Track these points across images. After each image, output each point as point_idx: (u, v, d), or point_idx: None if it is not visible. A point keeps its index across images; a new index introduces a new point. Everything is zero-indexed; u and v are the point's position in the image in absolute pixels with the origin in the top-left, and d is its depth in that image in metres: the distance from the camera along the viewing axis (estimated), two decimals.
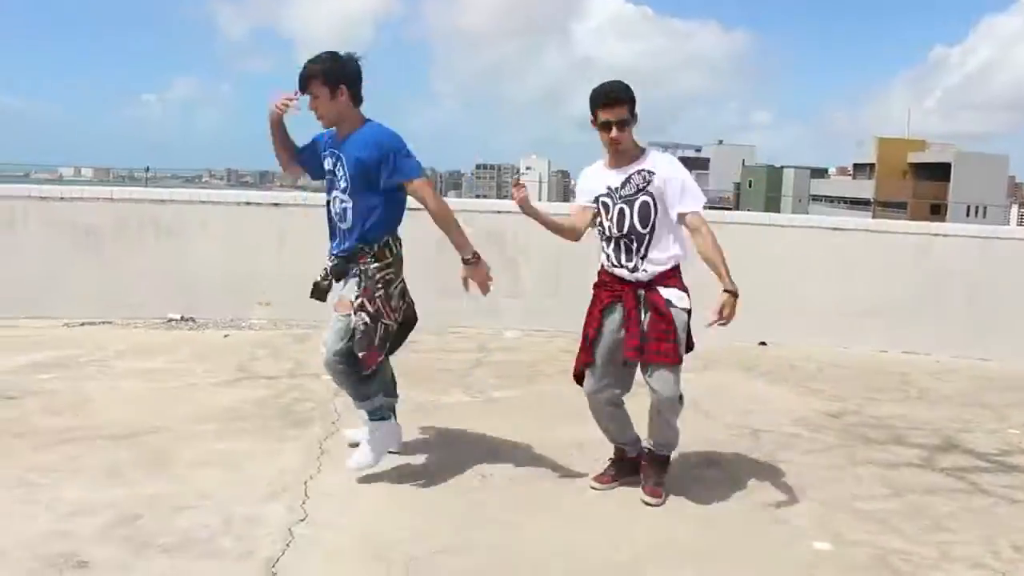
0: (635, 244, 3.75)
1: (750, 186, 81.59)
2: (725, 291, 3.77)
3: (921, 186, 56.32)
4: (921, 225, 8.28)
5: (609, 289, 3.84)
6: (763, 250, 7.49)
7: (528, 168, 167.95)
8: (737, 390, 5.84)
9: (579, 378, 3.96)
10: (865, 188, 62.54)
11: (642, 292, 3.76)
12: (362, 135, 3.81)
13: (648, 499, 3.81)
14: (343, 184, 3.83)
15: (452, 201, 10.17)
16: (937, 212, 48.11)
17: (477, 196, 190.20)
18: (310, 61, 3.80)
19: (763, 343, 7.35)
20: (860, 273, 7.46)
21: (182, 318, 7.30)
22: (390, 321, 3.86)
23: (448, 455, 4.27)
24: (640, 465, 3.97)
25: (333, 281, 3.95)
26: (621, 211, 3.74)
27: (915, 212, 48.28)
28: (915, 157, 60.38)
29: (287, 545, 3.22)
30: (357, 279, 3.83)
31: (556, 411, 5.08)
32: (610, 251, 3.83)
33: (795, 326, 7.39)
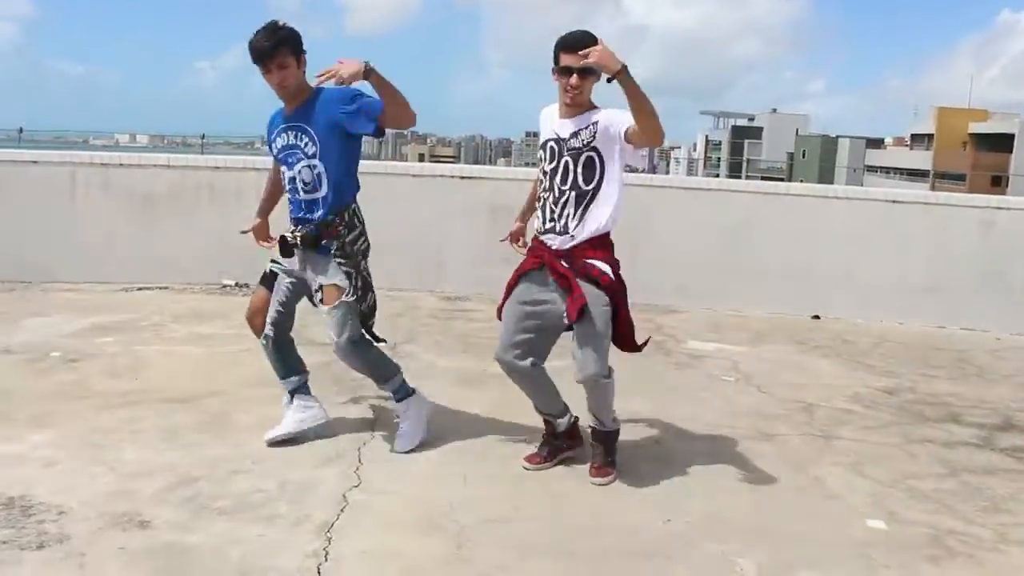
0: (573, 202, 3.54)
1: (804, 156, 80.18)
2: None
3: (982, 157, 54.78)
4: (984, 198, 8.06)
5: (536, 254, 3.66)
6: (818, 223, 7.38)
7: None
8: (790, 364, 5.77)
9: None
10: (922, 159, 61.06)
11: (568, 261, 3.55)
12: (324, 97, 3.69)
13: (595, 480, 3.63)
14: (312, 150, 3.71)
15: (501, 169, 10.18)
16: (998, 184, 46.84)
17: (527, 164, 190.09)
18: (271, 31, 3.64)
19: (816, 317, 7.26)
20: (918, 247, 7.31)
21: (236, 284, 7.41)
22: (374, 292, 3.94)
23: (499, 424, 4.29)
24: (591, 444, 3.77)
25: (302, 250, 3.82)
26: (566, 164, 3.54)
27: (975, 184, 47.01)
28: (976, 127, 58.71)
29: (341, 511, 3.26)
30: (336, 260, 3.76)
31: None
32: (546, 209, 3.61)
33: (849, 300, 7.28)
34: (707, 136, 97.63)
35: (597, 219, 3.54)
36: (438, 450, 3.92)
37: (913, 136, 69.77)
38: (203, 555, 2.92)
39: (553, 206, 3.59)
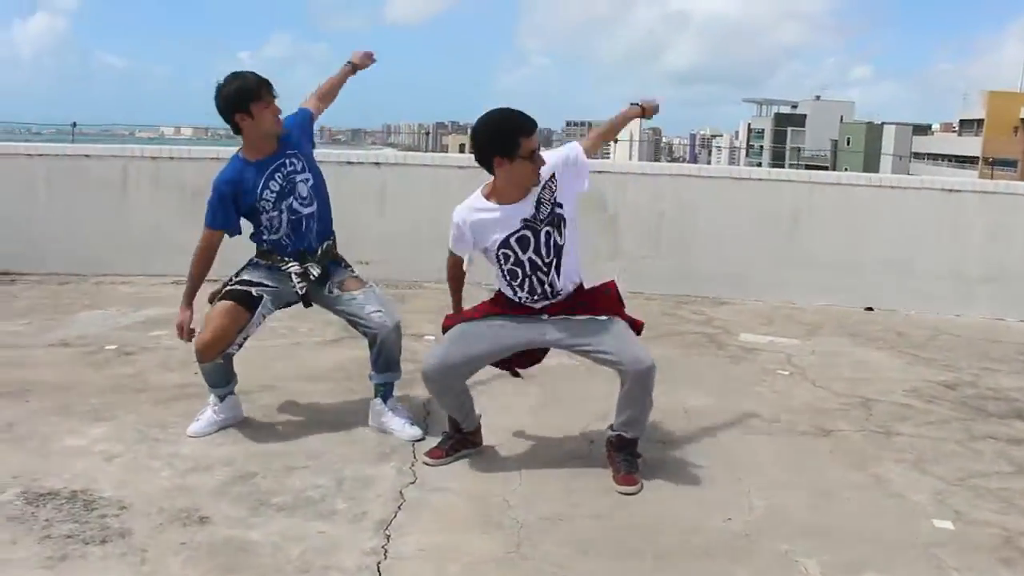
0: (554, 266, 3.49)
1: (848, 144, 78.96)
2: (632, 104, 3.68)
3: None
4: None
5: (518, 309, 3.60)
6: (870, 212, 7.23)
7: None
8: (845, 357, 5.66)
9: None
10: (972, 145, 59.83)
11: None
12: (289, 123, 3.92)
13: (625, 489, 3.47)
14: (300, 164, 3.91)
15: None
16: None
17: None
18: (249, 72, 3.82)
19: (869, 308, 7.12)
20: (974, 236, 7.13)
21: None
22: None
23: (553, 420, 4.26)
24: (608, 456, 3.63)
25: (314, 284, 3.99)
26: (548, 234, 3.45)
27: None
28: None
29: (398, 508, 3.26)
30: (349, 271, 4.10)
31: (662, 375, 5.01)
32: (524, 293, 3.53)
33: (903, 291, 7.13)
34: (749, 124, 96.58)
35: (572, 266, 3.54)
36: (493, 446, 3.89)
37: (962, 122, 68.38)
38: (263, 552, 2.92)
39: (539, 284, 3.52)
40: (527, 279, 3.51)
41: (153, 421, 4.07)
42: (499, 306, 3.64)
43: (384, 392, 4.05)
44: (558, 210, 3.46)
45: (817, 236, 7.27)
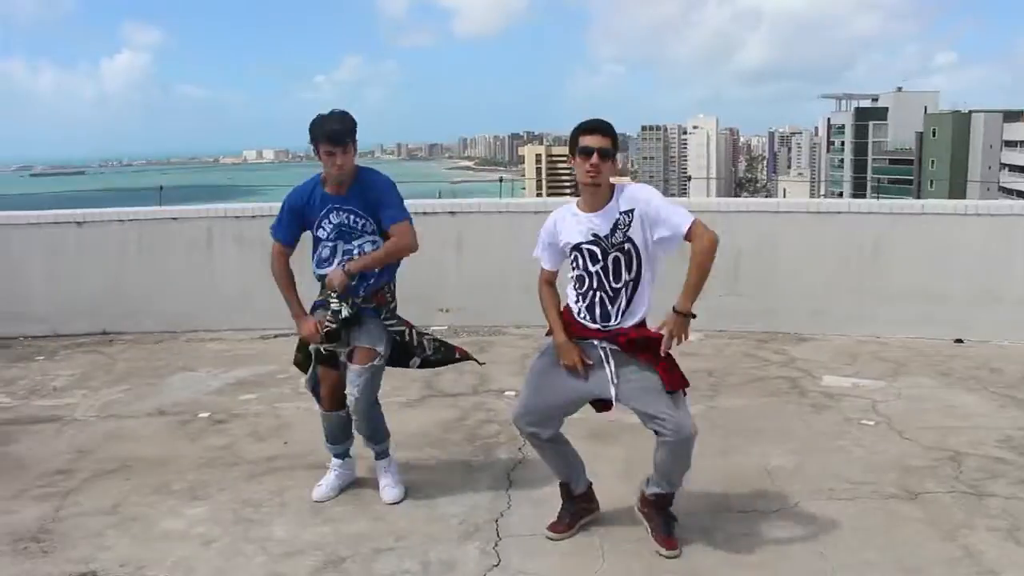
0: (621, 296, 3.53)
1: (934, 135, 76.70)
2: (675, 310, 3.46)
3: None
4: None
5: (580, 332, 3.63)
6: (955, 240, 7.05)
7: (695, 127, 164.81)
8: (933, 401, 5.52)
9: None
10: None
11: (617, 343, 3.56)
12: (371, 181, 4.05)
13: (669, 552, 3.57)
14: (371, 227, 4.03)
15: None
16: None
17: (644, 158, 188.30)
18: (343, 117, 3.93)
19: (959, 340, 6.93)
20: None
21: None
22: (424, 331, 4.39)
23: (631, 484, 4.23)
24: (643, 512, 3.72)
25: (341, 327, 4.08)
26: (616, 261, 3.50)
27: None
28: None
29: None
30: (386, 323, 4.13)
31: (738, 430, 5.00)
32: (595, 309, 3.56)
33: (994, 321, 6.93)
34: (828, 119, 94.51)
35: (642, 305, 3.56)
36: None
37: None
38: None
39: (594, 305, 3.56)
40: (591, 292, 3.55)
41: (246, 500, 4.23)
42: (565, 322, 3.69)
43: (377, 453, 4.30)
44: (627, 244, 3.49)
45: (901, 267, 7.11)
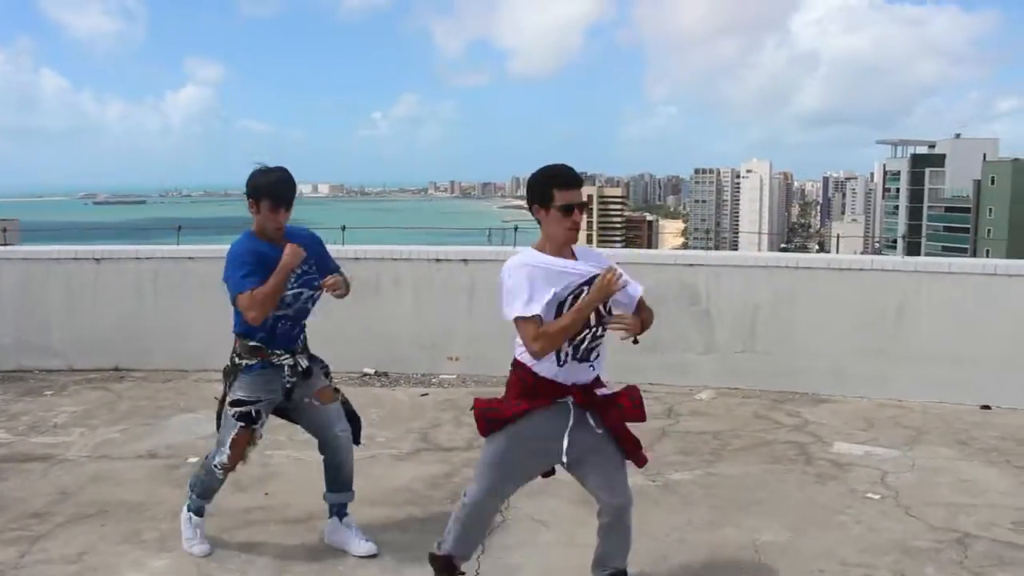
0: (600, 336, 3.42)
1: (992, 183, 75.18)
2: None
3: None
4: None
5: (552, 392, 3.40)
6: (984, 300, 6.76)
7: (748, 171, 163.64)
8: (948, 475, 5.22)
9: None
10: None
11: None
12: (302, 236, 4.11)
13: None
14: (317, 281, 4.09)
15: (662, 253, 9.90)
16: None
17: (696, 201, 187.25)
18: (290, 180, 4.02)
19: (986, 407, 6.61)
20: None
21: (376, 373, 7.53)
22: None
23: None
24: None
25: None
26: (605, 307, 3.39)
27: None
28: None
29: None
30: (320, 368, 4.25)
31: (734, 499, 4.78)
32: (568, 349, 3.35)
33: None
34: (884, 165, 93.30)
35: (603, 359, 3.49)
36: None
37: None
38: None
39: (577, 347, 3.38)
40: (587, 331, 3.36)
41: (213, 555, 4.12)
42: (527, 395, 3.41)
43: (339, 511, 4.21)
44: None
45: (925, 327, 6.83)
